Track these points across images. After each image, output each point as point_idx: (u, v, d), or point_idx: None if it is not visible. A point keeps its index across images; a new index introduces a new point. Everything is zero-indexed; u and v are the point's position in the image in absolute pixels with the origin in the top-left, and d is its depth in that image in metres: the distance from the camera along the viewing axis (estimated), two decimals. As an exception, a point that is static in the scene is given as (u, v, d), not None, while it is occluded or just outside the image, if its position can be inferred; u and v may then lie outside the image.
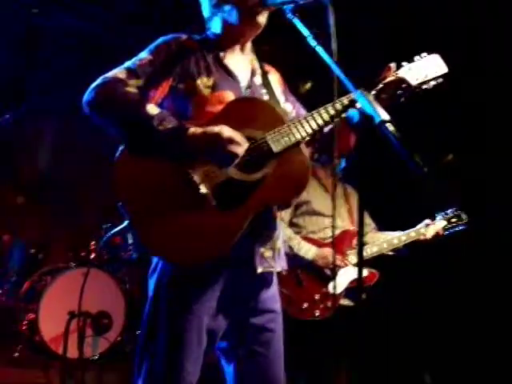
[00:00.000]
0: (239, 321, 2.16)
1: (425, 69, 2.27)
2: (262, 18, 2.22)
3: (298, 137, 2.08)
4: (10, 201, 4.77)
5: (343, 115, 2.12)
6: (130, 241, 4.57)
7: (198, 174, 2.01)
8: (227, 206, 2.01)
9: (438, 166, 6.02)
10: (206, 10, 2.34)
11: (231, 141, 1.98)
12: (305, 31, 1.98)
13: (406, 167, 1.64)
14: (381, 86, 2.19)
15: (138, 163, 2.04)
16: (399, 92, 2.22)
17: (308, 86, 5.99)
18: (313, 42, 1.93)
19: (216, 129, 1.99)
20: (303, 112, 2.41)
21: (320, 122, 2.12)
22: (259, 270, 2.12)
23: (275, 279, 2.26)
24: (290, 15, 2.05)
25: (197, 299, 2.07)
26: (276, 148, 2.05)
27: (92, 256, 4.66)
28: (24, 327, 4.39)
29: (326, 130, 2.31)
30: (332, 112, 2.12)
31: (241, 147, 2.00)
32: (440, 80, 2.30)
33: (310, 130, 2.10)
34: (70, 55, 5.04)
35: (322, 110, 2.13)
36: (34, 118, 5.02)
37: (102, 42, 5.24)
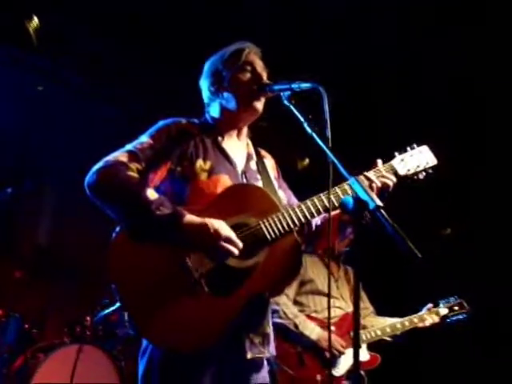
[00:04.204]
0: None
1: (416, 160, 2.34)
2: (259, 105, 2.30)
3: (292, 225, 2.11)
4: (8, 275, 4.74)
5: (337, 204, 2.16)
6: (127, 318, 4.51)
7: (192, 259, 2.02)
8: (220, 291, 2.01)
9: (435, 240, 6.05)
10: (205, 96, 2.43)
11: (228, 240, 2.01)
12: (300, 117, 2.04)
13: (401, 252, 1.66)
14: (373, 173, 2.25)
15: (134, 245, 2.05)
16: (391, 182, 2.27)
17: (306, 162, 6.09)
18: (308, 129, 1.99)
19: (215, 224, 2.01)
20: (294, 200, 2.45)
21: (314, 210, 2.15)
22: (249, 356, 2.11)
23: (265, 363, 2.24)
24: (286, 102, 2.13)
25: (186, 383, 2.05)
26: (270, 235, 2.08)
27: (87, 332, 4.59)
28: (15, 406, 4.26)
29: (316, 222, 2.37)
30: (325, 201, 2.15)
31: (236, 247, 2.01)
32: (430, 171, 2.36)
33: (303, 219, 2.13)
34: (72, 131, 5.14)
35: (315, 199, 2.17)
36: (34, 193, 5.07)
37: (104, 117, 5.38)
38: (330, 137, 1.94)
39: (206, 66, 2.44)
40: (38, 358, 4.36)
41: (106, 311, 4.28)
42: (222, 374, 2.09)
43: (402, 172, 2.32)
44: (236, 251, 2.01)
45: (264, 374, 2.22)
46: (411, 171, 2.34)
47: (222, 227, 2.02)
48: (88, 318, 4.61)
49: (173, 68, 4.98)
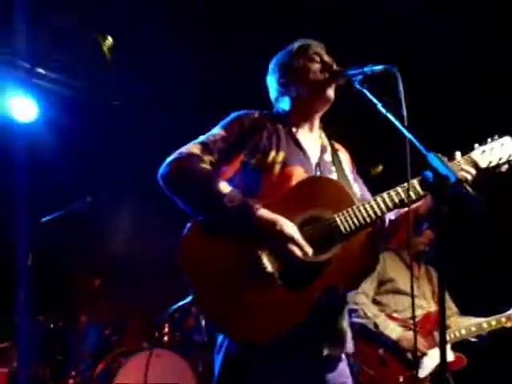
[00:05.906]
0: None
1: (498, 152, 2.20)
2: (331, 92, 2.27)
3: (368, 219, 2.04)
4: (88, 283, 4.90)
5: (414, 198, 2.06)
6: (204, 323, 4.56)
7: (264, 252, 2.00)
8: (293, 285, 1.97)
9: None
10: (274, 91, 2.42)
11: (293, 242, 1.97)
12: (374, 100, 1.99)
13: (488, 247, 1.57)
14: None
15: (206, 239, 2.05)
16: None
17: (379, 169, 5.92)
18: (383, 110, 1.94)
19: (284, 226, 1.98)
20: (368, 196, 2.37)
21: (390, 204, 2.07)
22: (325, 353, 2.06)
23: (343, 357, 2.18)
24: (358, 86, 2.09)
25: (262, 379, 2.02)
26: (345, 229, 2.02)
27: (165, 338, 4.67)
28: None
29: (390, 217, 2.28)
30: (402, 195, 2.06)
31: (302, 251, 1.97)
32: None
33: (379, 213, 2.06)
34: (149, 143, 5.25)
35: (392, 193, 2.09)
36: (111, 201, 5.23)
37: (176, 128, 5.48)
38: (405, 116, 1.88)
39: (273, 63, 2.43)
40: (119, 362, 4.46)
41: (180, 303, 4.34)
42: (298, 370, 2.06)
43: (483, 164, 2.18)
44: (300, 254, 1.97)
45: (342, 367, 2.16)
46: (493, 163, 2.20)
47: (290, 229, 1.98)
48: (166, 324, 4.70)
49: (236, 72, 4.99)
